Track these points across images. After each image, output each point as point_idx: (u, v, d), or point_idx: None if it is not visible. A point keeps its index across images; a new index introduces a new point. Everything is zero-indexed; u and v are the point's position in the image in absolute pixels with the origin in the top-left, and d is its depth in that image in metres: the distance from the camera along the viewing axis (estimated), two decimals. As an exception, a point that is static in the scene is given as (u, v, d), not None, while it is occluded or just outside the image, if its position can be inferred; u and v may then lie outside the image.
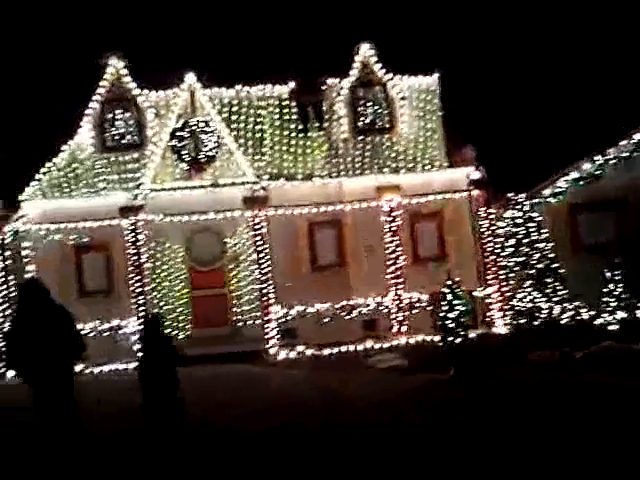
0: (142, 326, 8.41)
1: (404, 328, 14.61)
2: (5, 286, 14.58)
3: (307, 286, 14.76)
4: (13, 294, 14.46)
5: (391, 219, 15.11)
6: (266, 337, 14.16)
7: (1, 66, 21.66)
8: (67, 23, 24.18)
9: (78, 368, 13.14)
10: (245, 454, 6.64)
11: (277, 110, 16.52)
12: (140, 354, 7.82)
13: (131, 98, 16.14)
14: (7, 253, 14.79)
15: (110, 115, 16.06)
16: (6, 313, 14.29)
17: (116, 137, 16.04)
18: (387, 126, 16.37)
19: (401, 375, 11.16)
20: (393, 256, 14.95)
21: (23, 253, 14.92)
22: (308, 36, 21.27)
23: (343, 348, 13.93)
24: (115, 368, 13.55)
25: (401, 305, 14.80)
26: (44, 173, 15.63)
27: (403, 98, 16.45)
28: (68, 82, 19.44)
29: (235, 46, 22.19)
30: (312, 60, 16.91)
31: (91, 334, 14.05)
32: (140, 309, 14.40)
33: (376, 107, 16.36)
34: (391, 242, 15.01)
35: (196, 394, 10.13)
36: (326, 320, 14.55)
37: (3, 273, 14.69)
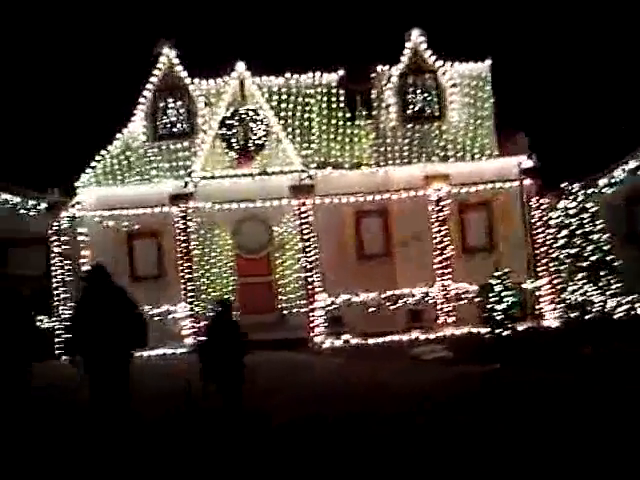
0: (212, 312, 8.33)
1: (450, 319, 14.46)
2: (61, 271, 15.09)
3: (353, 275, 14.76)
4: (70, 279, 14.99)
5: (439, 208, 14.92)
6: (311, 325, 14.23)
7: (58, 57, 22.32)
8: (122, 13, 24.74)
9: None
10: (272, 443, 6.68)
11: (325, 98, 16.48)
12: (206, 338, 7.73)
13: (183, 87, 16.38)
14: (63, 239, 15.30)
15: (162, 104, 16.34)
16: (62, 297, 14.80)
17: (167, 125, 16.33)
18: (436, 114, 16.13)
19: (445, 367, 11.04)
20: (440, 246, 14.78)
21: (79, 239, 15.42)
22: (358, 23, 21.18)
23: (388, 338, 13.90)
24: (163, 352, 13.88)
25: (448, 296, 14.64)
26: (98, 161, 16.06)
27: (454, 85, 16.15)
28: (123, 72, 19.87)
29: (285, 34, 22.19)
30: (361, 48, 16.77)
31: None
32: (189, 295, 14.71)
33: (426, 95, 16.13)
34: (438, 232, 14.84)
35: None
36: (372, 309, 14.52)
37: (61, 258, 15.21)
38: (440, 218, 14.90)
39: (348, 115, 16.34)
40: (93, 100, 20.91)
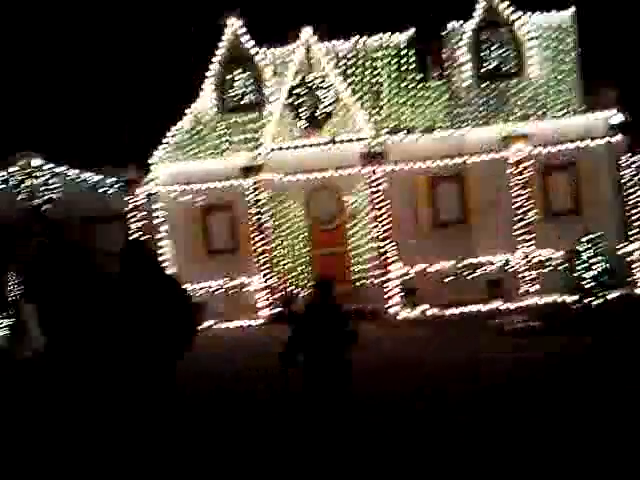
0: (311, 291, 7.53)
1: (534, 288, 13.76)
2: (140, 246, 15.45)
3: (428, 244, 14.27)
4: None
5: (519, 171, 14.13)
6: (386, 296, 13.93)
7: (130, 35, 22.61)
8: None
9: (207, 324, 13.92)
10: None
11: (395, 60, 15.82)
12: (301, 329, 5.98)
13: (249, 57, 16.19)
14: (140, 215, 15.63)
15: (229, 76, 16.23)
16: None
17: (236, 98, 16.23)
18: (514, 70, 15.15)
19: (529, 339, 10.48)
20: (521, 211, 14.03)
21: (155, 214, 15.72)
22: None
23: (466, 309, 13.41)
24: (240, 325, 14.02)
25: (530, 263, 13.92)
26: (171, 136, 16.21)
27: (533, 38, 15.09)
28: (192, 46, 19.88)
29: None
30: (431, 3, 15.88)
31: (218, 291, 14.67)
32: (263, 267, 14.72)
33: (502, 50, 15.17)
34: (519, 196, 14.08)
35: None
36: (448, 279, 14.03)
37: (138, 234, 15.55)
38: (521, 181, 14.11)
39: (419, 76, 15.64)
40: (165, 76, 21.10)
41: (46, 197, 17.95)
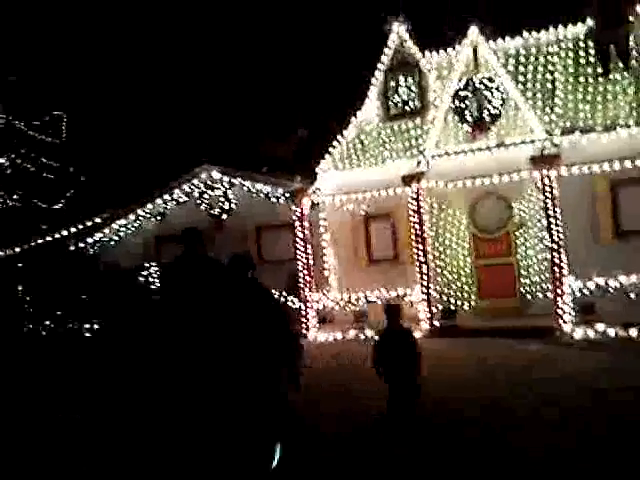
0: (385, 315, 6.77)
1: None
2: (304, 255, 15.81)
3: (608, 255, 12.76)
4: (312, 263, 15.63)
5: None
6: (558, 312, 12.71)
7: (296, 46, 23.39)
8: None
9: (369, 334, 13.84)
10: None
11: (571, 54, 14.47)
12: (377, 355, 6.58)
13: (414, 63, 15.87)
14: (305, 224, 16.03)
15: (393, 82, 16.06)
16: (307, 280, 15.51)
17: (399, 104, 16.00)
18: None
19: None
20: None
21: (320, 223, 16.04)
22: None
23: (655, 330, 11.76)
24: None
25: None
26: (335, 146, 16.44)
27: None
28: (356, 55, 20.05)
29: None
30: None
31: (378, 301, 14.50)
32: (423, 277, 14.27)
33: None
34: None
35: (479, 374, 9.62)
36: (633, 295, 12.42)
37: (303, 243, 15.97)
38: None
39: (600, 70, 14.11)
40: (333, 88, 21.55)
41: (225, 207, 19.26)
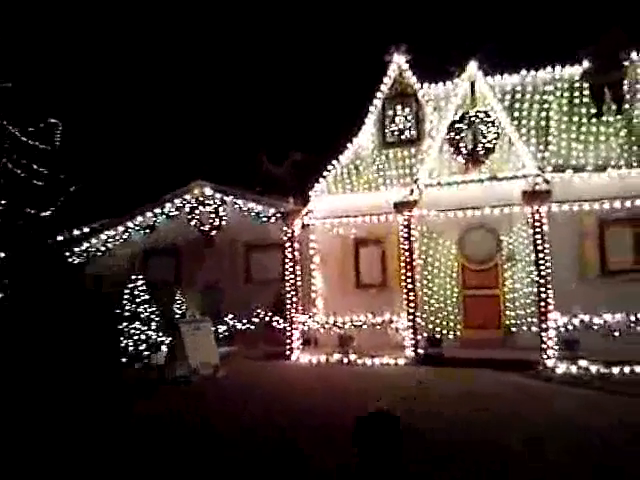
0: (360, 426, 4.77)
1: None
2: (292, 276, 15.77)
3: (593, 292, 12.88)
4: (299, 284, 15.59)
5: None
6: (542, 347, 12.74)
7: (297, 73, 23.74)
8: (351, 24, 25.29)
9: (352, 358, 13.78)
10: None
11: (567, 94, 14.79)
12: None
13: (412, 93, 16.12)
14: (295, 245, 16.03)
15: (391, 111, 16.27)
16: (293, 301, 15.44)
17: (395, 133, 16.20)
18: None
19: None
20: None
21: (310, 245, 16.04)
22: (606, 5, 18.67)
23: (638, 368, 11.81)
24: (387, 362, 13.67)
25: None
26: (330, 170, 16.55)
27: None
28: (354, 81, 20.34)
29: (519, 27, 20.55)
30: (612, 33, 14.62)
31: (364, 326, 14.46)
32: (410, 305, 14.27)
33: (695, 81, 13.52)
34: None
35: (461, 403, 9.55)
36: (617, 333, 12.49)
37: (292, 264, 15.95)
38: None
39: (593, 111, 14.42)
40: (330, 113, 21.81)
41: (215, 224, 19.25)
